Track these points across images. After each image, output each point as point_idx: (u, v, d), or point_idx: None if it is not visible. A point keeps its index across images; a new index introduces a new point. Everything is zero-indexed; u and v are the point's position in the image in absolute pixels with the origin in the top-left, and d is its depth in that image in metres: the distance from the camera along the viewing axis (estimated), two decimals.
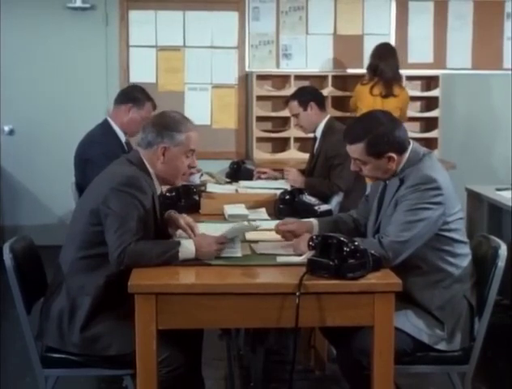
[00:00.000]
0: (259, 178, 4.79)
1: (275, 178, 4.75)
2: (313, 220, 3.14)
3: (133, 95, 4.23)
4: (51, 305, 2.82)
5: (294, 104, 4.69)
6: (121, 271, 2.67)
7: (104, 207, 2.74)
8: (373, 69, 5.96)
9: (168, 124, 2.91)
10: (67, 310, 2.78)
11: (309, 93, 4.73)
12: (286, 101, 4.86)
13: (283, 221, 3.13)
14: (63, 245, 2.91)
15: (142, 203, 2.76)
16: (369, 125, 2.88)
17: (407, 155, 2.87)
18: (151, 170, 2.91)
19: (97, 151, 4.00)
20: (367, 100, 5.85)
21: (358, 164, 2.92)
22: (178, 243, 2.74)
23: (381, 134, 2.84)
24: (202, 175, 4.67)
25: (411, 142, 2.92)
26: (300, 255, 2.71)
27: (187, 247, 2.72)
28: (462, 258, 2.87)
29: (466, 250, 2.90)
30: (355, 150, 2.88)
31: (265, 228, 3.25)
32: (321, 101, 4.71)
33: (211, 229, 3.07)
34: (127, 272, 2.61)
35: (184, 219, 3.02)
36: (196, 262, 2.71)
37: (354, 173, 3.01)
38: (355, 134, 2.89)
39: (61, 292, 2.81)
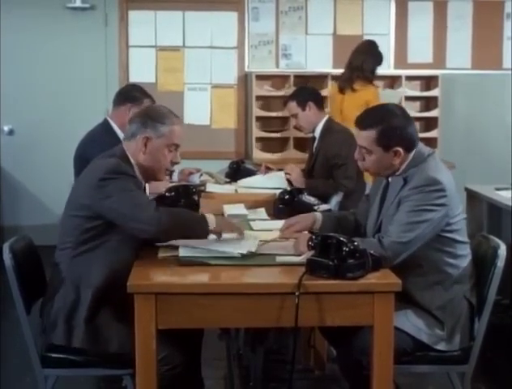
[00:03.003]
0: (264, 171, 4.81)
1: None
2: (317, 214, 3.11)
3: (131, 94, 4.22)
4: (53, 303, 2.79)
5: (293, 104, 4.69)
6: (122, 260, 2.70)
7: (102, 201, 2.70)
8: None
9: (153, 115, 2.91)
10: (69, 306, 2.75)
11: (307, 93, 4.73)
12: (285, 101, 4.86)
13: (286, 224, 3.06)
14: (57, 244, 2.87)
15: (135, 183, 2.78)
16: (383, 114, 2.85)
17: (411, 154, 2.86)
18: (133, 163, 2.88)
19: (97, 151, 3.95)
20: (334, 97, 5.66)
21: (363, 153, 2.87)
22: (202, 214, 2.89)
23: (394, 125, 2.81)
24: (201, 175, 4.68)
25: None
26: (300, 255, 2.71)
27: (209, 216, 2.83)
28: (463, 259, 2.86)
29: (466, 250, 2.89)
30: (366, 137, 2.83)
31: (264, 229, 3.26)
32: (319, 101, 4.71)
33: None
34: (127, 265, 2.63)
35: None
36: (197, 261, 2.71)
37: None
38: (369, 120, 2.85)
39: (60, 290, 2.78)
